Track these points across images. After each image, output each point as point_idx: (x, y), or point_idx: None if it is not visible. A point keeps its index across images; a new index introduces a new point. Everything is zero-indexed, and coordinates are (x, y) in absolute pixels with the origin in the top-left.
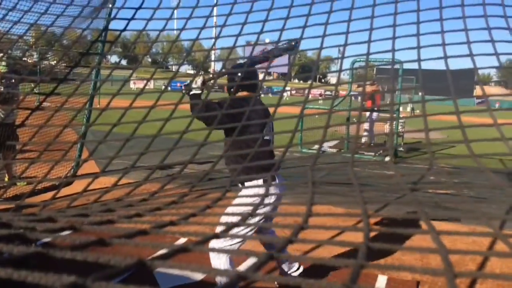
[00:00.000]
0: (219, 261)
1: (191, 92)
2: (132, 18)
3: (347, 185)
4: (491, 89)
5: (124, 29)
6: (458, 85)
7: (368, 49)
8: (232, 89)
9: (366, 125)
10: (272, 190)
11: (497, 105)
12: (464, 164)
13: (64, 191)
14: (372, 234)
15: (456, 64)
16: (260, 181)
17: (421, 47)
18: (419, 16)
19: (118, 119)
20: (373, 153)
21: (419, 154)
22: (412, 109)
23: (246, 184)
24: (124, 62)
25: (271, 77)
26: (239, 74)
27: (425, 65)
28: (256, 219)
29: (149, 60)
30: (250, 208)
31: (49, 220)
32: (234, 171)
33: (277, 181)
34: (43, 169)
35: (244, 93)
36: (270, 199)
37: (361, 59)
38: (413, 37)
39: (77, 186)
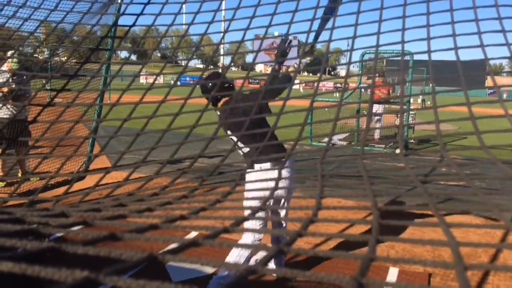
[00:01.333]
0: (239, 259)
1: None
2: (141, 14)
3: (357, 177)
4: (503, 80)
5: (133, 25)
6: (469, 76)
7: (377, 41)
8: (214, 100)
9: (375, 118)
10: (285, 172)
11: (505, 96)
12: (476, 155)
13: (77, 185)
14: (383, 226)
15: (467, 55)
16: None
17: (431, 38)
18: (429, 6)
19: (129, 114)
20: (383, 146)
21: (430, 146)
22: (423, 100)
23: (261, 165)
24: (133, 57)
25: (281, 71)
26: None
27: (436, 56)
28: (271, 202)
29: (158, 54)
30: (267, 192)
31: (62, 215)
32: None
33: (289, 163)
34: (55, 164)
35: (225, 100)
36: (285, 182)
37: (371, 51)
38: (423, 28)
39: (90, 180)
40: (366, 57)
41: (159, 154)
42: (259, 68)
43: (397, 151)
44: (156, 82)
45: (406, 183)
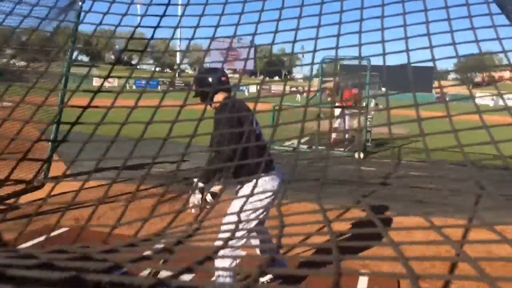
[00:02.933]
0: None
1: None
2: (100, 24)
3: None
4: (449, 83)
5: (93, 35)
6: (418, 80)
7: (336, 44)
8: (206, 96)
9: (337, 123)
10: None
11: (447, 99)
12: (430, 157)
13: (36, 194)
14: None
15: (418, 58)
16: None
17: (385, 41)
18: (383, 10)
19: (77, 117)
20: (343, 149)
21: (385, 149)
22: (376, 104)
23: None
24: (85, 58)
25: (236, 75)
26: (210, 79)
27: (390, 62)
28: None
29: (112, 57)
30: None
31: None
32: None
33: (274, 176)
34: (6, 173)
35: (221, 96)
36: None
37: (330, 57)
38: (379, 32)
39: (48, 188)
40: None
41: (117, 161)
42: None
43: (357, 155)
44: (111, 84)
45: (366, 186)
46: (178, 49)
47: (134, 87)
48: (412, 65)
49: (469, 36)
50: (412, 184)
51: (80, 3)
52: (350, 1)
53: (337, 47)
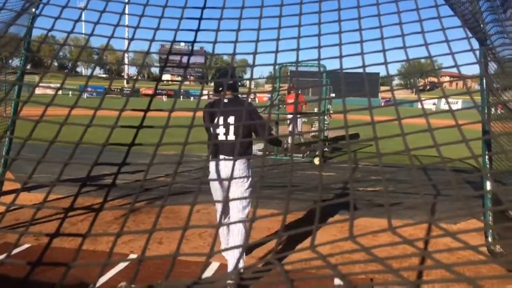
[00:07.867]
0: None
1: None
2: (51, 29)
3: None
4: (394, 89)
5: (43, 41)
6: (364, 86)
7: (297, 57)
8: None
9: (290, 128)
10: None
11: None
12: (385, 161)
13: None
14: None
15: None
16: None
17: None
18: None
19: (30, 132)
20: (301, 155)
21: (342, 154)
22: (328, 110)
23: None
24: (28, 66)
25: (187, 82)
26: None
27: (336, 66)
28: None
29: (56, 64)
30: None
31: None
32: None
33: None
34: None
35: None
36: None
37: (286, 64)
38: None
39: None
40: (283, 69)
41: (73, 172)
42: (166, 77)
43: (315, 160)
44: (53, 93)
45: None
46: (125, 56)
47: (85, 96)
48: (358, 70)
49: (417, 40)
50: (369, 188)
51: (33, 10)
52: (307, 5)
53: (276, 51)
